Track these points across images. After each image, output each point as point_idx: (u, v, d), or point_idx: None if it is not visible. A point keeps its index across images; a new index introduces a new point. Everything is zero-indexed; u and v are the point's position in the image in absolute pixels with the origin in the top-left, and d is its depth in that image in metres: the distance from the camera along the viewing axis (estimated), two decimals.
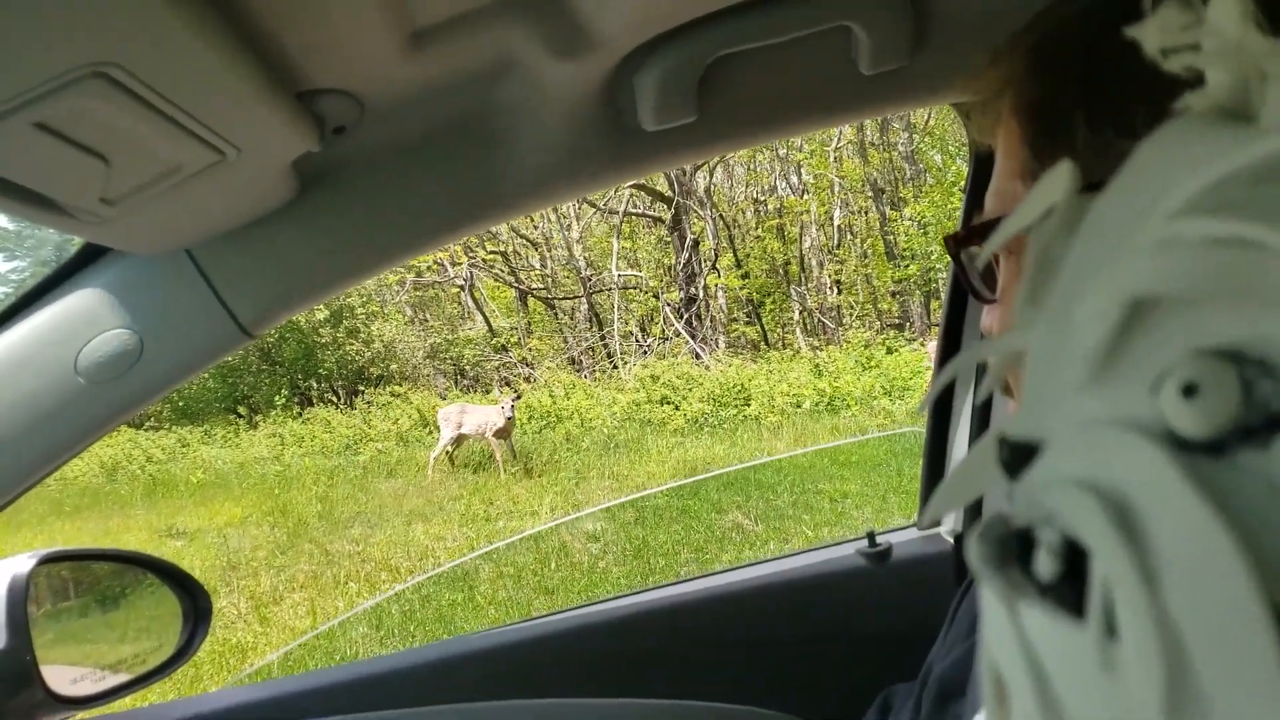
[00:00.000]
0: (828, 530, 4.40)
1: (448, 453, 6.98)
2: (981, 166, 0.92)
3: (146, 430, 10.01)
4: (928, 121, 11.02)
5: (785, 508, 4.80)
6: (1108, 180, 0.17)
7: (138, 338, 0.65)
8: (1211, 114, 0.15)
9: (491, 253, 11.80)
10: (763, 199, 12.33)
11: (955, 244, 0.49)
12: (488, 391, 10.17)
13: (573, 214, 11.73)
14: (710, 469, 5.95)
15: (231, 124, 0.49)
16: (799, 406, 7.88)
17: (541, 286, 12.30)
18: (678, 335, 10.66)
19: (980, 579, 0.16)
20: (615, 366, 10.36)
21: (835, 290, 11.48)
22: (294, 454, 8.44)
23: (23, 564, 0.74)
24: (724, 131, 0.72)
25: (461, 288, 11.93)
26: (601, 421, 8.09)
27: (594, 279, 11.86)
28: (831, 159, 11.28)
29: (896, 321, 11.01)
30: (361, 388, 10.68)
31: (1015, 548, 0.15)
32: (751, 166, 12.23)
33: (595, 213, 12.03)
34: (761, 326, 11.41)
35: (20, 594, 0.71)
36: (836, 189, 11.43)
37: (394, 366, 11.29)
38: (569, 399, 8.82)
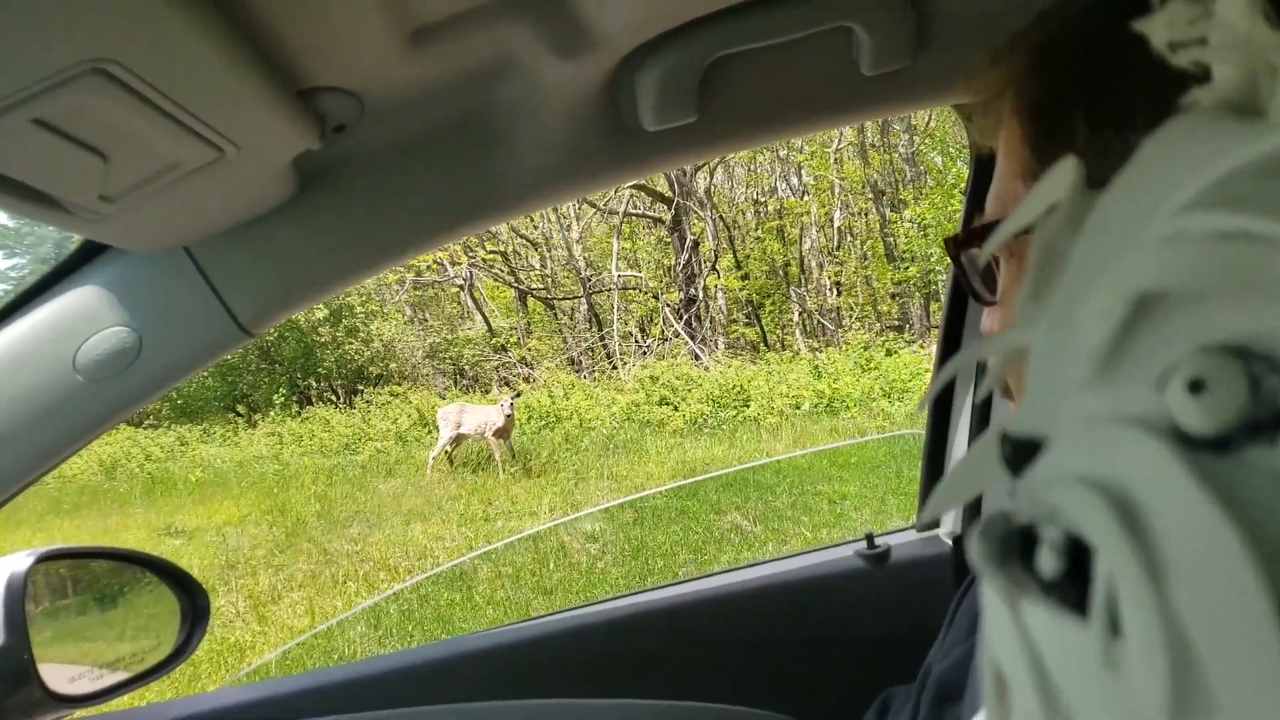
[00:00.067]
0: (826, 532, 4.40)
1: (447, 452, 6.97)
2: (982, 168, 0.92)
3: (145, 428, 10.01)
4: (928, 123, 11.03)
5: (784, 509, 4.80)
6: (1109, 180, 0.16)
7: (136, 335, 0.65)
8: (1219, 109, 0.15)
9: (491, 252, 11.80)
10: (763, 200, 12.33)
11: (956, 246, 0.49)
12: (487, 391, 10.16)
13: (573, 214, 11.73)
14: (709, 470, 5.95)
15: (231, 121, 0.49)
16: (798, 408, 7.88)
17: (541, 287, 12.30)
18: (677, 336, 10.66)
19: (982, 577, 0.16)
20: (614, 367, 10.35)
21: (835, 292, 11.48)
22: (293, 453, 8.44)
23: (21, 562, 0.73)
24: (724, 132, 0.71)
25: (461, 287, 11.93)
26: (600, 422, 8.09)
27: (594, 279, 11.86)
28: (832, 160, 11.28)
29: (896, 323, 11.01)
30: (361, 387, 10.67)
31: (1017, 545, 0.15)
32: (752, 167, 12.23)
33: (595, 213, 12.03)
34: (761, 328, 11.41)
35: (18, 592, 0.71)
36: (837, 190, 11.43)
37: (393, 366, 11.29)
38: (568, 399, 8.82)
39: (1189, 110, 0.16)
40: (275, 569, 4.82)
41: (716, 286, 11.34)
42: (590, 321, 11.59)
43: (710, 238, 11.39)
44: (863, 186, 11.50)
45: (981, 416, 1.12)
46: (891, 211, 11.53)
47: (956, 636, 0.63)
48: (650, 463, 6.50)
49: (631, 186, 10.66)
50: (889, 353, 9.09)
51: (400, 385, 10.59)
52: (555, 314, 12.26)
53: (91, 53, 0.38)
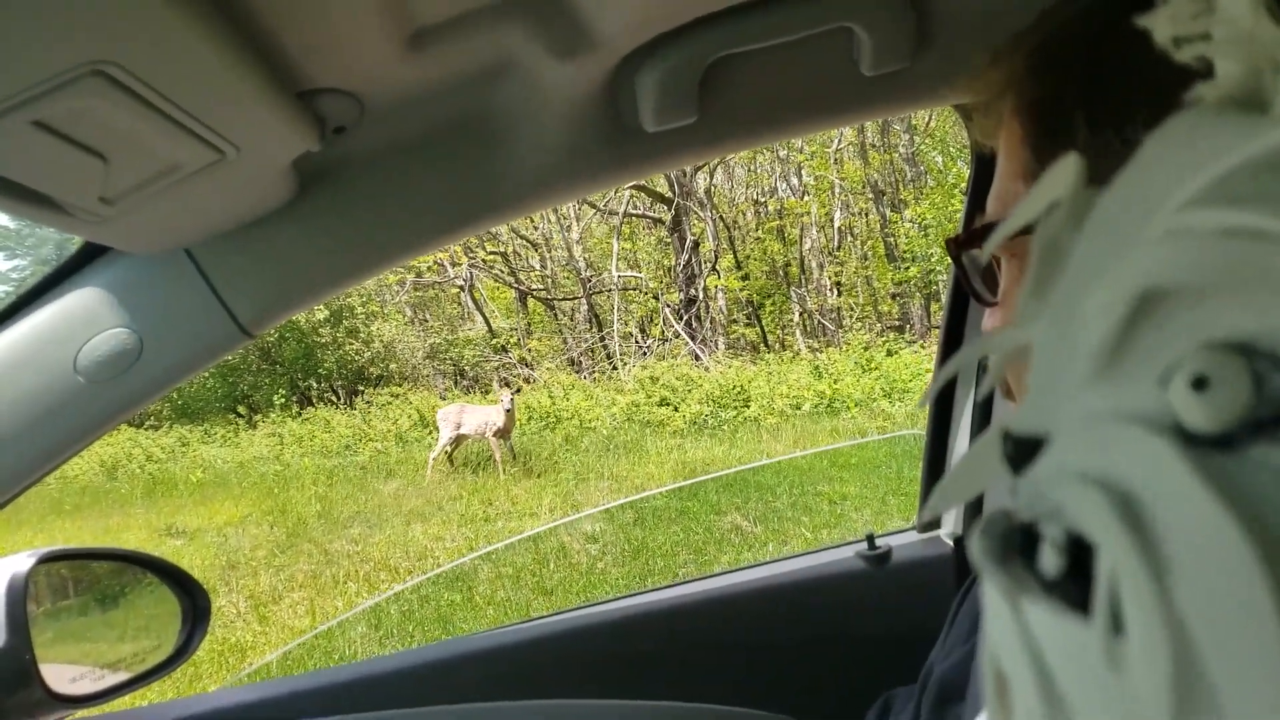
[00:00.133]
0: (827, 532, 4.40)
1: (447, 453, 6.98)
2: (983, 169, 0.92)
3: (146, 429, 10.02)
4: (929, 123, 11.03)
5: (784, 509, 4.80)
6: (1110, 180, 0.16)
7: (137, 337, 0.65)
8: (1222, 104, 0.15)
9: (491, 253, 11.80)
10: (763, 200, 12.33)
11: (957, 246, 0.49)
12: (487, 392, 10.16)
13: (573, 215, 11.73)
14: (709, 471, 5.95)
15: (231, 123, 0.49)
16: (798, 408, 7.88)
17: (541, 287, 12.30)
18: (677, 337, 10.66)
19: (983, 575, 0.16)
20: (615, 368, 10.35)
21: (835, 292, 11.48)
22: (293, 453, 8.44)
23: (22, 562, 0.73)
24: (725, 132, 0.71)
25: (461, 288, 11.93)
26: (601, 422, 8.09)
27: (594, 280, 11.86)
28: (832, 160, 11.28)
29: (897, 324, 11.00)
30: (361, 388, 10.68)
31: (1018, 543, 0.15)
32: (752, 168, 12.23)
33: (595, 214, 12.04)
34: (761, 328, 11.40)
35: (20, 592, 0.71)
36: (837, 191, 11.42)
37: (394, 366, 11.29)
38: (568, 400, 8.82)
39: (1192, 107, 0.16)
40: (276, 569, 4.82)
41: (717, 287, 11.34)
42: (590, 322, 11.59)
43: (710, 238, 11.39)
44: (863, 186, 11.50)
45: (983, 417, 1.12)
46: (892, 211, 11.53)
47: (958, 637, 0.63)
48: (650, 463, 6.50)
49: (631, 187, 10.66)
50: (890, 353, 9.08)
51: (400, 386, 10.60)
52: (555, 315, 12.26)
53: (91, 54, 0.38)
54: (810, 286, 11.65)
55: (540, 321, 12.48)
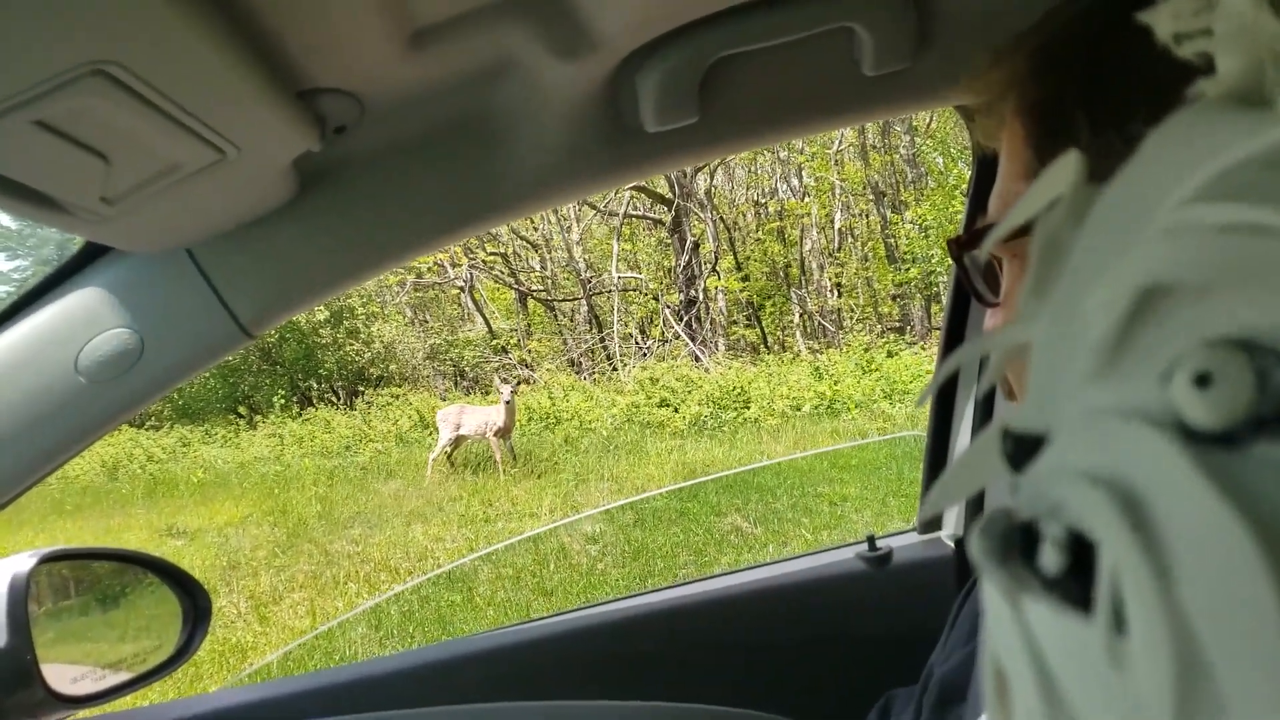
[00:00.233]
0: (827, 534, 4.39)
1: (447, 454, 6.98)
2: (984, 169, 0.92)
3: (147, 429, 10.02)
4: (929, 124, 11.03)
5: (784, 511, 4.80)
6: (1111, 179, 0.16)
7: (138, 337, 0.65)
8: (1224, 100, 0.15)
9: (491, 254, 11.81)
10: (763, 201, 12.33)
11: (958, 247, 0.49)
12: (487, 393, 10.16)
13: (573, 216, 11.73)
14: (709, 472, 5.95)
15: (231, 123, 0.49)
16: (799, 410, 7.87)
17: (541, 288, 12.31)
18: (677, 338, 10.66)
19: (983, 574, 0.16)
20: (615, 368, 10.35)
21: (836, 293, 11.47)
22: (294, 454, 8.45)
23: (23, 563, 0.74)
24: (725, 133, 0.71)
25: (461, 289, 11.94)
26: (601, 423, 8.09)
27: (594, 281, 11.86)
28: (832, 161, 11.28)
29: (897, 325, 11.00)
30: (361, 388, 10.69)
31: (1019, 541, 0.15)
32: (752, 169, 12.23)
33: (595, 214, 12.04)
34: (761, 329, 11.40)
35: (21, 593, 0.71)
36: (837, 192, 11.42)
37: (394, 367, 11.30)
38: (568, 401, 8.82)
39: (1193, 103, 0.16)
40: (276, 570, 4.82)
41: (717, 288, 11.34)
42: (590, 323, 11.60)
43: (710, 239, 11.39)
44: (864, 188, 11.50)
45: (984, 417, 1.12)
46: (892, 213, 11.53)
47: (959, 639, 0.63)
48: (650, 464, 6.50)
49: (631, 188, 10.66)
50: (890, 354, 9.08)
51: (401, 387, 10.61)
52: (555, 315, 12.26)
53: (92, 54, 0.38)
54: (810, 288, 11.65)
55: (540, 322, 12.48)
